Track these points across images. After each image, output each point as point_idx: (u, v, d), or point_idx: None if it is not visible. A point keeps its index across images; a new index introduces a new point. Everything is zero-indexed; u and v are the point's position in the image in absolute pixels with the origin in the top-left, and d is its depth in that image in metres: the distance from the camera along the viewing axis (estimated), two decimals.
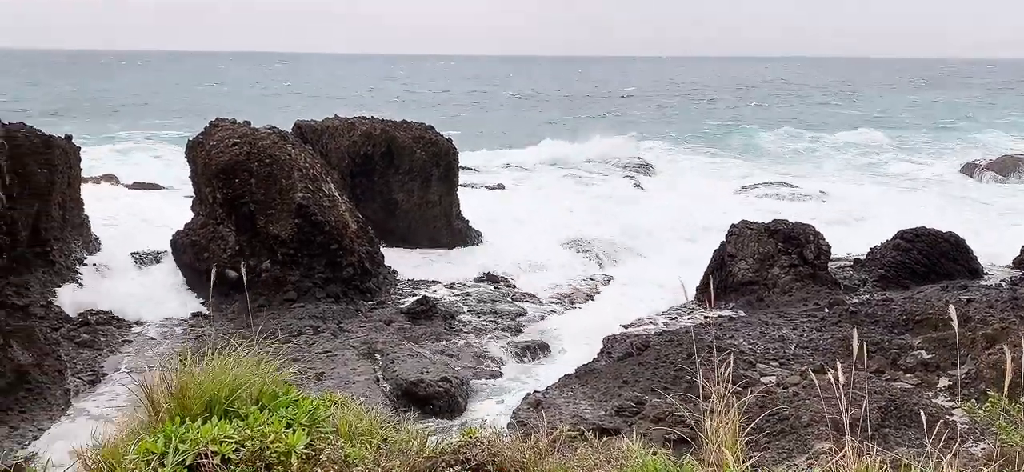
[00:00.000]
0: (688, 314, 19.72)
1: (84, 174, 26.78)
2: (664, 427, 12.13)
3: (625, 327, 19.18)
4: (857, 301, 19.44)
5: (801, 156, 57.09)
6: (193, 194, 23.53)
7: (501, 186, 40.23)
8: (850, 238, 26.87)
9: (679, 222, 32.34)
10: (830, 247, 21.98)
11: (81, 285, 22.64)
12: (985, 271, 22.21)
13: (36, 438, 14.00)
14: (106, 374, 16.98)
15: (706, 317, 19.25)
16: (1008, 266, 23.27)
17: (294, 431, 4.78)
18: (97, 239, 25.99)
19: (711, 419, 5.20)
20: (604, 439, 6.08)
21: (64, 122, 56.97)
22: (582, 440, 5.58)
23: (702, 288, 21.28)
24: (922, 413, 5.70)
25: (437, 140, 27.57)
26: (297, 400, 5.29)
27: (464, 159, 33.68)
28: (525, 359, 18.14)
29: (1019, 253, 23.45)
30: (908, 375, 14.40)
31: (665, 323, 19.22)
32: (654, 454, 5.08)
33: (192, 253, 22.43)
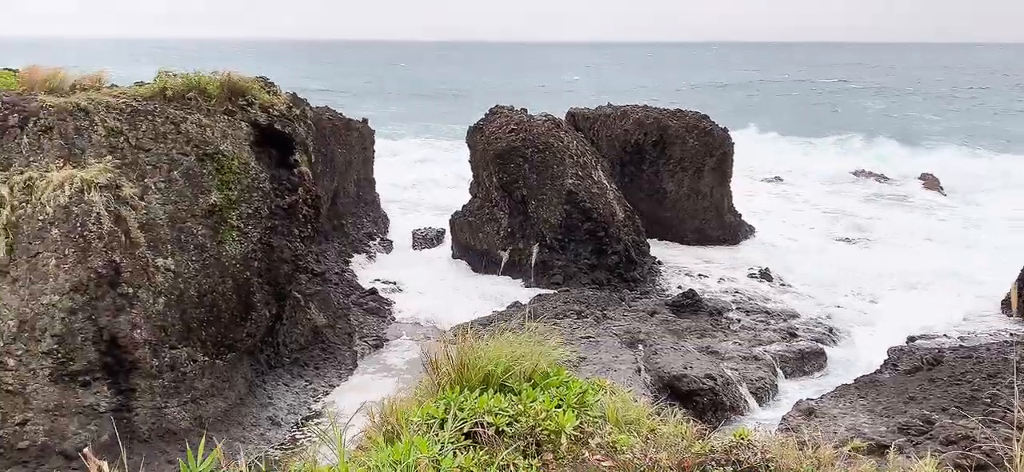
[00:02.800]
0: (989, 329, 17.69)
1: (376, 155, 29.17)
2: (957, 451, 10.97)
3: (912, 338, 17.60)
4: None
5: None
6: (471, 177, 24.75)
7: (779, 179, 38.58)
8: None
9: (980, 228, 29.27)
10: None
11: (370, 257, 24.70)
12: None
13: (326, 394, 15.35)
14: (388, 340, 18.31)
15: (1013, 333, 17.16)
16: None
17: (564, 411, 4.79)
18: (385, 216, 28.23)
19: (1019, 447, 4.56)
20: (889, 456, 5.55)
21: (362, 105, 62.34)
22: (869, 454, 5.13)
23: (1012, 301, 19.04)
24: None
25: (711, 129, 26.82)
26: (567, 382, 5.31)
27: (744, 151, 32.45)
28: (797, 364, 17.06)
29: None
30: None
31: (960, 337, 17.39)
32: None
33: (468, 233, 23.65)
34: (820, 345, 17.86)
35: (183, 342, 12.30)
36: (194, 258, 12.54)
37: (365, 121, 27.90)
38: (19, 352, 11.15)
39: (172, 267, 12.18)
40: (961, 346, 16.04)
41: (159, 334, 11.93)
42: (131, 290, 11.63)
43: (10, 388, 11.28)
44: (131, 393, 11.79)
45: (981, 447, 10.22)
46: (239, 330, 13.29)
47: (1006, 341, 16.25)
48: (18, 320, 11.08)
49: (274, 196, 14.13)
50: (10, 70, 13.86)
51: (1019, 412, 4.90)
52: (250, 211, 13.48)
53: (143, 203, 12.12)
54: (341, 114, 26.04)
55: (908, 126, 66.93)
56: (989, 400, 12.55)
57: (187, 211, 12.65)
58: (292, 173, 14.77)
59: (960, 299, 19.82)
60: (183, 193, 12.69)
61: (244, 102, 14.35)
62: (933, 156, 47.36)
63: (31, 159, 11.78)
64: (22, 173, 11.50)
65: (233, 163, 13.43)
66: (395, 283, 22.01)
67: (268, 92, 14.96)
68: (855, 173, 40.47)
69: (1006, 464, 4.58)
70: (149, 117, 12.87)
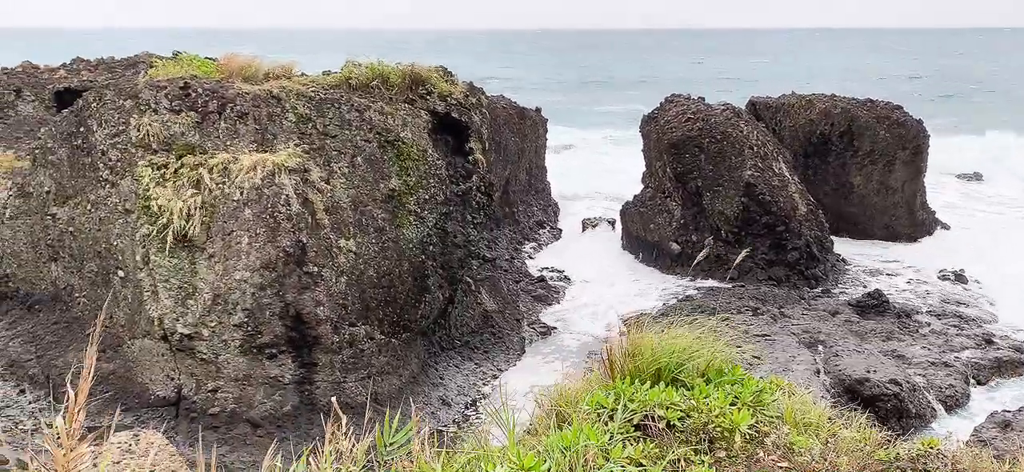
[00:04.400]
0: None
1: (549, 144, 29.38)
2: None
3: None
4: None
5: None
6: (644, 167, 24.42)
7: (978, 176, 35.73)
8: None
9: None
10: None
11: (540, 245, 24.90)
12: None
13: (494, 377, 15.60)
14: (556, 328, 18.35)
15: None
16: None
17: (739, 410, 4.61)
18: (556, 204, 28.37)
19: None
20: None
21: (549, 95, 62.76)
22: None
23: None
24: None
25: (905, 121, 25.14)
26: (743, 379, 5.11)
27: (941, 145, 30.36)
28: (992, 373, 15.85)
29: None
30: None
31: None
32: None
33: (639, 224, 23.36)
34: (1019, 354, 16.48)
35: (362, 320, 12.84)
36: (374, 240, 13.04)
37: (538, 110, 28.13)
38: (213, 324, 11.99)
39: (353, 249, 12.72)
40: None
41: (340, 312, 12.50)
42: (316, 269, 12.24)
43: (204, 357, 12.16)
44: (313, 367, 12.42)
45: None
46: (414, 311, 13.72)
47: None
48: (213, 294, 11.91)
49: (449, 183, 14.48)
50: (210, 58, 14.89)
51: None
52: (427, 197, 13.87)
53: (328, 187, 12.72)
54: (515, 103, 26.37)
55: None
56: None
57: (368, 195, 13.17)
58: (467, 160, 15.07)
59: None
60: (365, 178, 13.22)
61: (424, 91, 14.78)
62: None
63: (228, 143, 12.62)
64: (220, 156, 12.34)
65: (412, 150, 13.86)
66: (563, 272, 22.07)
67: (446, 81, 15.33)
68: None
69: None
70: (335, 105, 13.49)
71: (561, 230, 26.63)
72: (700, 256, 20.19)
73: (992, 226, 27.20)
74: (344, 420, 4.02)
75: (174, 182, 12.18)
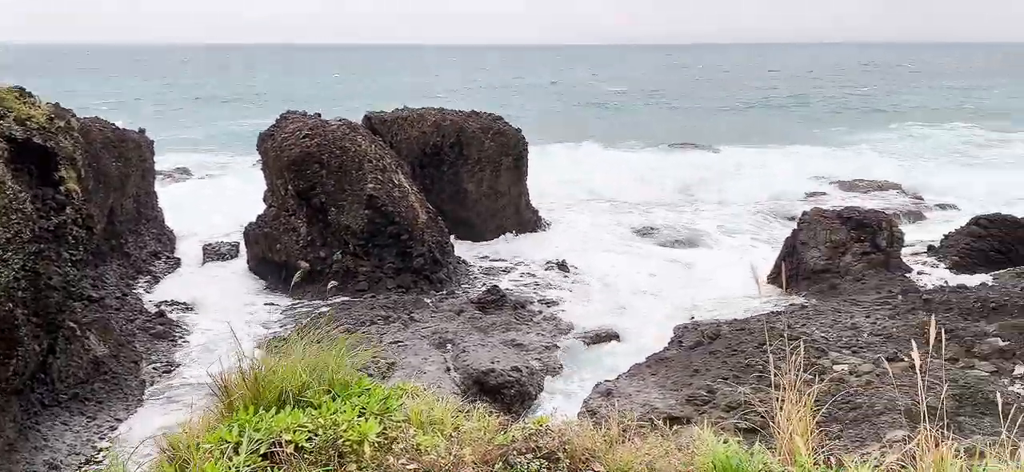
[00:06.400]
0: (759, 303, 19.29)
1: (158, 167, 27.41)
2: (736, 416, 11.88)
3: (695, 316, 18.82)
4: (931, 288, 19.06)
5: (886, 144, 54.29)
6: (264, 186, 23.78)
7: (581, 181, 39.62)
8: (927, 226, 26.64)
9: (749, 212, 31.79)
10: (904, 234, 21.87)
11: (156, 277, 23.12)
12: None
13: (112, 428, 14.19)
14: (180, 365, 17.20)
15: (777, 306, 18.85)
16: None
17: (367, 420, 4.67)
18: (171, 232, 26.54)
19: (782, 408, 5.00)
20: (675, 428, 5.90)
21: (141, 115, 58.52)
22: (653, 429, 5.40)
23: (773, 277, 20.99)
24: (999, 400, 5.37)
25: (506, 131, 27.48)
26: (369, 389, 5.18)
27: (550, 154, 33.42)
28: (595, 348, 17.94)
29: None
30: (983, 362, 13.90)
31: (735, 312, 18.81)
32: (725, 443, 4.87)
33: (264, 245, 22.70)
34: (614, 328, 18.82)
35: None
36: None
37: (142, 131, 26.14)
38: None
39: None
40: (735, 321, 17.27)
41: None
42: None
43: None
44: None
45: (756, 411, 11.08)
46: (3, 369, 11.97)
47: (772, 313, 17.84)
48: None
49: (37, 218, 12.86)
50: None
51: (778, 377, 5.34)
52: (8, 236, 12.16)
53: None
54: (113, 124, 24.21)
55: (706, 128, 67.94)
56: (761, 368, 13.68)
57: None
58: (57, 191, 13.52)
59: (734, 278, 21.53)
60: None
61: None
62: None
63: None
64: None
65: None
66: (186, 303, 20.73)
67: (24, 103, 13.62)
68: (649, 168, 42.08)
69: (771, 424, 4.98)
70: None
71: (179, 259, 24.94)
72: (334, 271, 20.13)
73: (585, 222, 30.53)
74: None
75: None
